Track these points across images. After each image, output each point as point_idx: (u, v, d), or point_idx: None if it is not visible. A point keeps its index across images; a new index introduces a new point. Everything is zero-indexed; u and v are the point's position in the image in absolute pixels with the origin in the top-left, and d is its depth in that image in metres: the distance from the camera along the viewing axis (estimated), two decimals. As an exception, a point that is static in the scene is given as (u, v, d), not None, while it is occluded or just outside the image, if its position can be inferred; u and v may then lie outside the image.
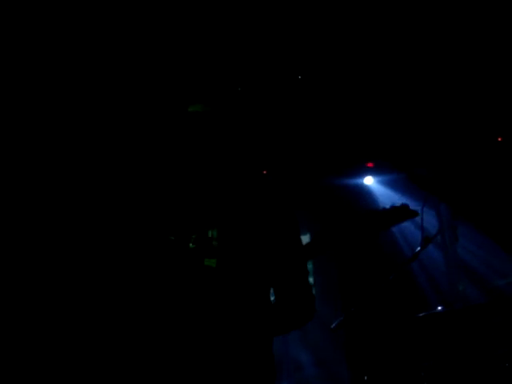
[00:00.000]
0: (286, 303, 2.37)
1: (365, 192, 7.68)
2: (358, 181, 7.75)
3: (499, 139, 6.79)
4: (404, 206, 2.15)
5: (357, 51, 5.82)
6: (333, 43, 5.73)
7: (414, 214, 2.23)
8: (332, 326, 4.46)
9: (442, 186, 6.47)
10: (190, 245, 2.26)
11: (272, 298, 2.42)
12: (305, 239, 2.53)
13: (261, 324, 2.27)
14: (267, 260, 2.35)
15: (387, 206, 2.23)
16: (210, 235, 2.28)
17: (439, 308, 4.37)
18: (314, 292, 2.45)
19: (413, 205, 6.86)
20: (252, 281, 2.30)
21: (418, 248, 4.46)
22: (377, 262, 6.97)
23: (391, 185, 7.52)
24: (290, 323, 2.42)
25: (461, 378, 4.15)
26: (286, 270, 2.39)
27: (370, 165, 7.74)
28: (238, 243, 2.30)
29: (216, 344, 2.16)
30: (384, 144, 7.18)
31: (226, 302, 2.21)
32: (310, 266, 6.85)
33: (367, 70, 6.13)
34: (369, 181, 7.74)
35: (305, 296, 2.40)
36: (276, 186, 2.51)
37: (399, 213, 2.07)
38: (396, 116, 6.71)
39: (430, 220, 4.81)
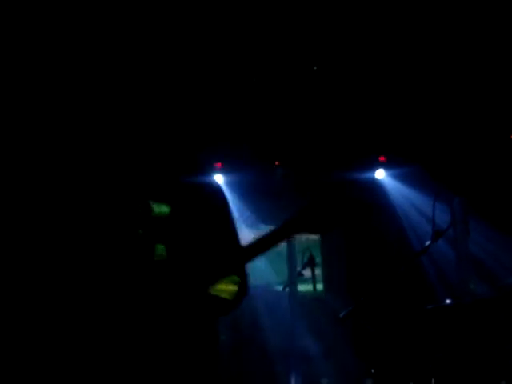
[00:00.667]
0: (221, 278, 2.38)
1: (376, 186, 7.64)
2: (369, 175, 7.70)
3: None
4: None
5: (368, 45, 5.81)
6: (344, 36, 5.73)
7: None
8: (341, 315, 4.47)
9: (456, 178, 6.46)
10: (140, 231, 2.29)
11: None
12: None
13: (201, 305, 2.31)
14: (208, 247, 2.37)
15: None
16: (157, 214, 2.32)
17: (448, 301, 4.37)
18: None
19: (425, 199, 6.91)
20: (197, 267, 2.31)
21: (429, 242, 4.46)
22: (386, 253, 6.97)
23: (403, 179, 7.47)
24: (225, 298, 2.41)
25: (468, 372, 4.15)
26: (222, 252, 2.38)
27: (381, 159, 7.71)
28: (184, 234, 2.33)
29: (159, 328, 2.20)
30: (396, 137, 7.16)
31: (173, 286, 2.25)
32: (318, 258, 6.86)
33: (377, 64, 6.11)
34: (380, 175, 7.69)
35: (238, 272, 2.42)
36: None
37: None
38: (409, 109, 6.68)
39: (440, 215, 4.77)
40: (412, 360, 4.66)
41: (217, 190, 2.56)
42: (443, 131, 6.77)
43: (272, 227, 2.36)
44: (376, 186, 7.65)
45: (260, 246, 2.32)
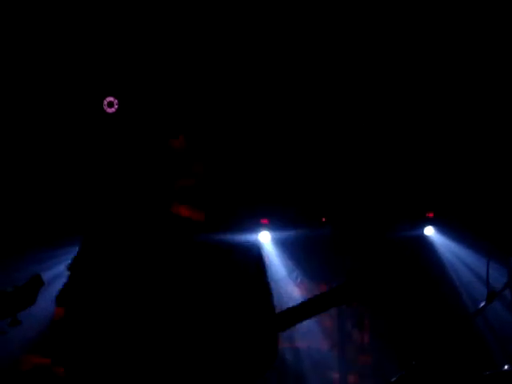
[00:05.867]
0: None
1: (425, 243, 7.49)
2: (418, 232, 7.56)
3: None
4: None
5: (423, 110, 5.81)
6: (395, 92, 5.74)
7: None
8: (392, 380, 4.31)
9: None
10: None
11: None
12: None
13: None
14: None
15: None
16: None
17: (506, 367, 4.15)
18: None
19: (477, 257, 6.73)
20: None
21: (483, 303, 4.30)
22: (437, 314, 6.75)
23: (453, 236, 7.30)
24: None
25: None
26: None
27: (430, 215, 7.58)
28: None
29: None
30: (447, 193, 7.03)
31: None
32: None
33: (428, 121, 6.09)
34: (429, 231, 7.54)
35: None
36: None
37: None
38: (459, 165, 6.58)
39: (495, 274, 4.62)
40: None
41: (253, 254, 2.42)
42: (495, 187, 6.63)
43: (320, 290, 2.28)
44: (425, 243, 7.49)
45: (305, 312, 2.25)
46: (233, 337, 2.23)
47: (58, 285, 2.32)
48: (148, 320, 2.18)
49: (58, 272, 5.50)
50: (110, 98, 5.19)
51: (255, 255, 2.43)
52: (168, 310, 2.19)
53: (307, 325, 7.04)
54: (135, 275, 2.22)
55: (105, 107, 5.17)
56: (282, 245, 7.24)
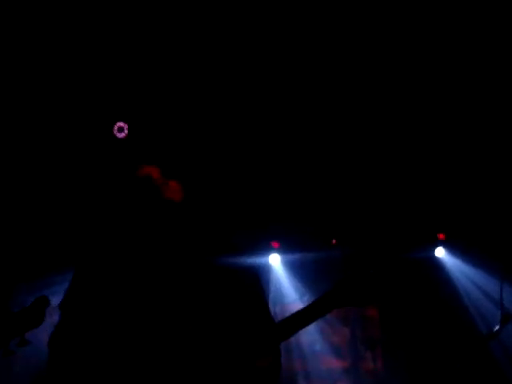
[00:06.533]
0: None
1: (437, 265, 7.42)
2: (429, 253, 7.50)
3: None
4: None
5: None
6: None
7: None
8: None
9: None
10: None
11: None
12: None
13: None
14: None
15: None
16: None
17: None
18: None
19: (490, 279, 6.65)
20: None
21: (497, 326, 4.26)
22: (449, 336, 6.65)
23: (465, 257, 7.24)
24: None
25: None
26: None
27: (441, 236, 7.53)
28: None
29: None
30: (458, 214, 6.98)
31: None
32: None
33: (437, 142, 6.07)
34: (440, 253, 7.49)
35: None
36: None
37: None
38: (469, 185, 6.54)
39: (509, 297, 4.57)
40: None
41: (251, 275, 2.43)
42: (508, 208, 6.57)
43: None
44: (437, 264, 7.43)
45: (297, 322, 2.24)
46: (234, 348, 2.23)
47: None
48: (148, 336, 2.17)
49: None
50: (121, 124, 5.19)
51: (254, 273, 2.45)
52: (169, 322, 2.20)
53: (319, 347, 7.00)
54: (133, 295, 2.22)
55: (115, 132, 5.17)
56: (293, 267, 7.21)
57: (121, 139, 5.31)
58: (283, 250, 7.25)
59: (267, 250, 7.12)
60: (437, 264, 7.42)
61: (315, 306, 2.27)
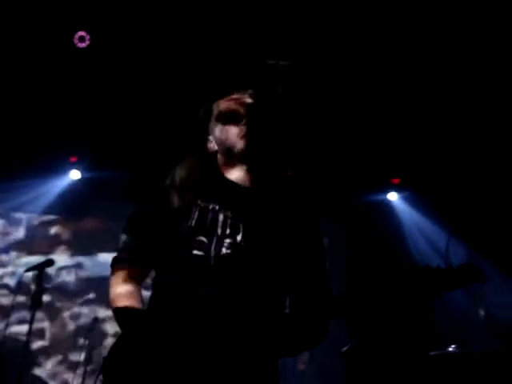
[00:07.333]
0: (301, 316, 2.17)
1: (388, 209, 7.45)
2: (381, 196, 7.50)
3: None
4: (469, 266, 1.86)
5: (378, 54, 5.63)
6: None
7: (481, 276, 1.89)
8: (342, 350, 4.33)
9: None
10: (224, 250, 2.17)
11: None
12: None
13: (272, 342, 2.10)
14: (289, 265, 2.23)
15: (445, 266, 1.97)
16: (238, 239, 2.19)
17: (451, 348, 4.18)
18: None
19: (439, 231, 6.66)
20: (273, 285, 2.20)
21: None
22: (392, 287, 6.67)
23: (417, 204, 7.24)
24: (303, 342, 2.23)
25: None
26: (307, 277, 2.28)
27: (395, 181, 7.52)
28: (263, 245, 2.19)
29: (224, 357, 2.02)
30: (414, 160, 6.92)
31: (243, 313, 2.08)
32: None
33: (397, 82, 5.91)
34: (393, 197, 7.49)
35: (323, 310, 2.19)
36: (303, 187, 2.42)
37: (462, 275, 1.79)
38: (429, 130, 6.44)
39: (455, 251, 4.60)
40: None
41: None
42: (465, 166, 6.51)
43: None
44: (389, 208, 7.45)
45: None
46: None
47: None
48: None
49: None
50: (82, 33, 4.94)
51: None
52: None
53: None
54: None
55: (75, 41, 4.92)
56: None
57: (82, 48, 5.10)
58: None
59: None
60: (388, 209, 7.44)
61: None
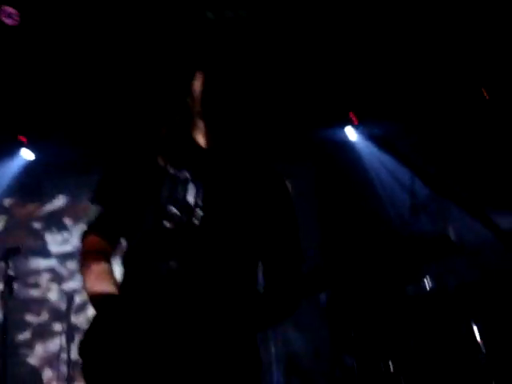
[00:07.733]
0: (272, 292, 2.21)
1: (348, 147, 7.35)
2: (339, 133, 7.36)
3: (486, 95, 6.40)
4: (444, 237, 1.86)
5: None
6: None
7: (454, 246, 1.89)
8: (321, 303, 4.35)
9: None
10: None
11: None
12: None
13: (248, 315, 2.11)
14: (258, 234, 2.19)
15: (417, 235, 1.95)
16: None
17: (429, 284, 4.19)
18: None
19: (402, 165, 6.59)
20: (245, 259, 2.16)
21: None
22: (363, 226, 6.68)
23: (378, 140, 7.14)
24: (275, 317, 2.27)
25: (444, 363, 4.01)
26: (277, 248, 2.24)
27: (351, 115, 7.37)
28: (233, 217, 2.14)
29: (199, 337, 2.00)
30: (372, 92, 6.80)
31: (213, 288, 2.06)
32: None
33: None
34: (350, 133, 7.35)
35: (294, 284, 2.23)
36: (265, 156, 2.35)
37: (437, 246, 1.77)
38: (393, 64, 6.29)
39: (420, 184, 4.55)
40: (391, 338, 4.54)
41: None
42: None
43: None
44: (349, 146, 7.36)
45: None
46: None
47: None
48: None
49: None
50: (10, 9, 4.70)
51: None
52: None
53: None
54: None
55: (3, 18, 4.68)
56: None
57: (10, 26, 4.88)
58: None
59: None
60: (349, 147, 7.34)
61: None
